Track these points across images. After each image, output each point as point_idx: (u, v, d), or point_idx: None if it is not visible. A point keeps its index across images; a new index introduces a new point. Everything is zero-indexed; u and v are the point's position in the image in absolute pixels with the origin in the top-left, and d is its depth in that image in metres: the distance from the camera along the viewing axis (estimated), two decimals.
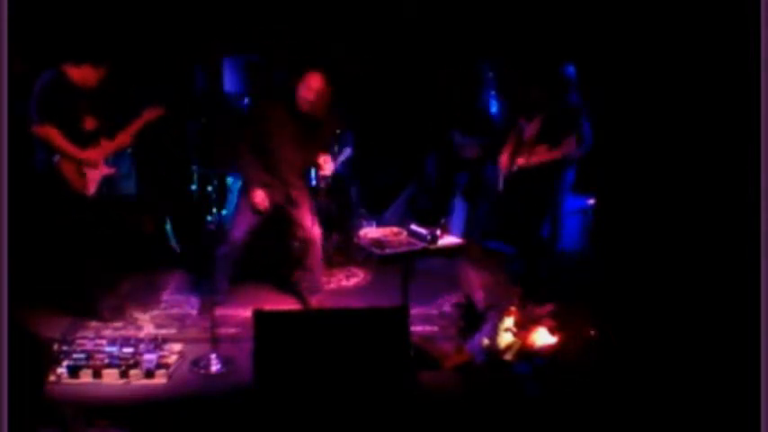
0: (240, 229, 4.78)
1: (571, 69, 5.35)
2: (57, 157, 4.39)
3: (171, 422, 3.53)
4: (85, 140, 4.47)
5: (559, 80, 5.33)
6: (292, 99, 4.60)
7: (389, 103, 6.69)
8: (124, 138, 4.68)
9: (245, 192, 4.78)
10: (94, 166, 4.51)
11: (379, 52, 6.59)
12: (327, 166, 4.78)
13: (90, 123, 4.49)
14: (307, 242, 4.91)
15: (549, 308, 4.19)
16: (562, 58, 5.42)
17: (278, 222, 5.04)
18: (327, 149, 4.98)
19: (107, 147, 4.61)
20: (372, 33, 6.46)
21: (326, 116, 4.71)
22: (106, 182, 4.61)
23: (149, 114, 4.71)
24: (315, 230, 4.90)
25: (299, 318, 3.91)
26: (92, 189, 4.51)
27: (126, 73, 4.96)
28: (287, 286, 5.34)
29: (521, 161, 5.07)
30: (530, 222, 5.22)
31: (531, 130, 5.14)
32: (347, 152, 6.20)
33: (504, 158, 5.26)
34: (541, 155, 5.04)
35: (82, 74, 4.40)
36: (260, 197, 4.69)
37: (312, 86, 4.54)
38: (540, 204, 5.24)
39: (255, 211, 4.72)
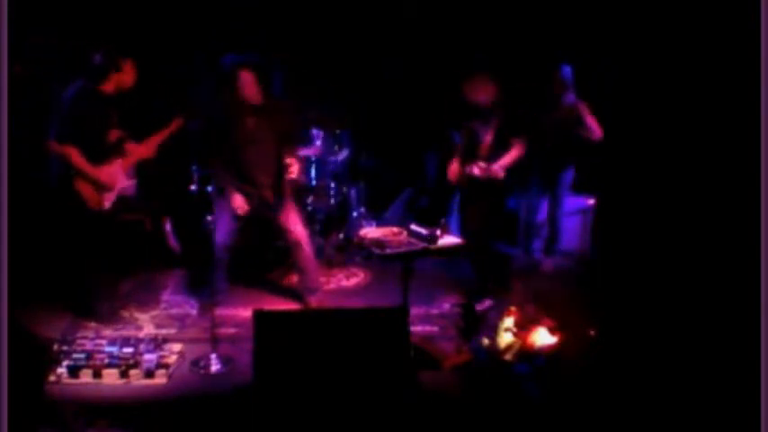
0: (221, 233, 4.71)
1: (567, 70, 5.34)
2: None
3: (171, 422, 3.53)
4: (108, 152, 4.44)
5: (557, 80, 5.33)
6: (236, 100, 4.59)
7: (390, 104, 6.69)
8: (148, 149, 4.64)
9: (219, 196, 4.74)
10: (110, 188, 4.45)
11: (380, 52, 6.59)
12: (293, 168, 4.74)
13: (114, 135, 4.47)
14: (294, 245, 4.86)
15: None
16: (561, 57, 5.43)
17: (264, 225, 5.02)
18: (296, 146, 4.94)
19: (132, 156, 4.55)
20: (373, 33, 6.46)
21: (279, 109, 4.70)
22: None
23: (174, 126, 4.66)
24: (300, 232, 4.85)
25: (299, 318, 3.91)
26: (107, 205, 4.47)
27: (146, 80, 4.95)
28: (287, 286, 5.35)
29: (477, 171, 4.88)
30: (484, 228, 5.09)
31: (487, 136, 4.95)
32: (344, 153, 6.20)
33: (453, 168, 5.05)
34: (502, 162, 4.87)
35: (121, 78, 4.36)
36: (238, 201, 4.66)
37: (247, 81, 4.55)
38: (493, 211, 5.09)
39: (236, 215, 4.70)
